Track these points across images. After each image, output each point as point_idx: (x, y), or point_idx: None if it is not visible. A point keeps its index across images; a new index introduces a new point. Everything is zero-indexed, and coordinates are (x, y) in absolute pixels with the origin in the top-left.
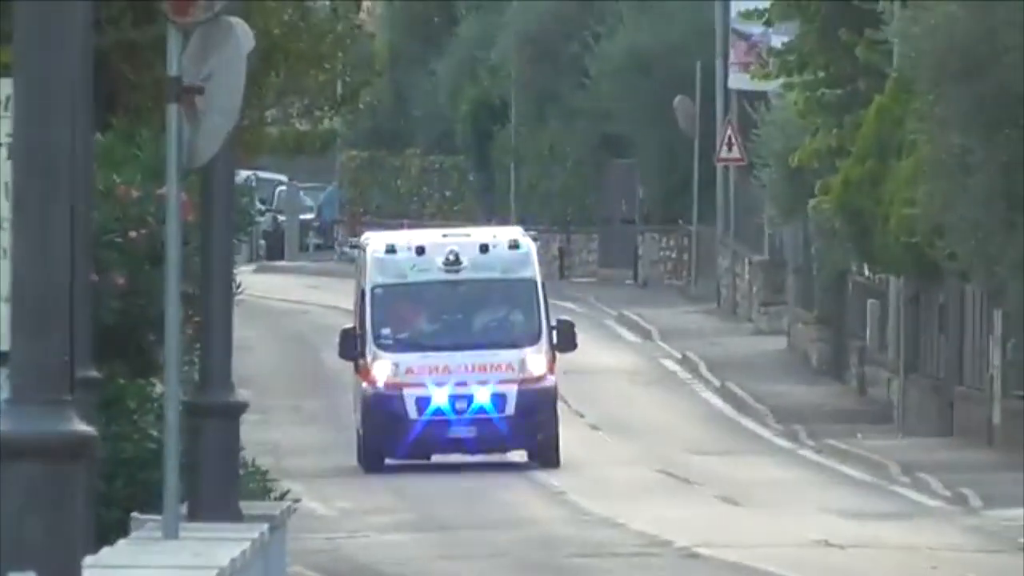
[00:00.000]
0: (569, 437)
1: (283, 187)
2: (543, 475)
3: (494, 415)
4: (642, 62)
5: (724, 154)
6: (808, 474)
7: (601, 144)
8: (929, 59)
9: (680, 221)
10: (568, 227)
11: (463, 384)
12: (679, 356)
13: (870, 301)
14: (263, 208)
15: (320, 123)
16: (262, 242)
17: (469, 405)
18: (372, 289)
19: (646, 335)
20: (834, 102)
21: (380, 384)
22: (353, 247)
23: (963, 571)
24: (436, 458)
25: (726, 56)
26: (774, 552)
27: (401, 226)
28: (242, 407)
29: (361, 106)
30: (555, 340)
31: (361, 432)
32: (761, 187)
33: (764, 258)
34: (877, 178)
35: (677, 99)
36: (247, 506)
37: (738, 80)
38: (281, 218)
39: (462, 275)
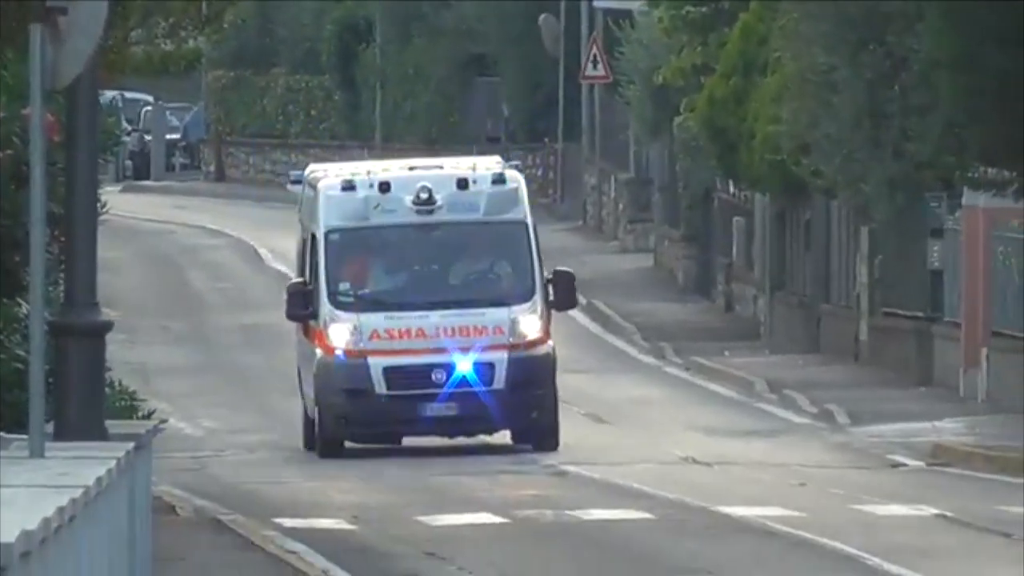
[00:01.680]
0: None
1: (149, 107)
2: None
3: (479, 388)
4: None
5: (589, 72)
6: (675, 392)
7: (466, 63)
8: None
9: (546, 140)
10: (433, 145)
11: (441, 351)
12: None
13: (736, 219)
14: (129, 128)
15: (185, 43)
16: (128, 162)
17: (448, 376)
18: (326, 234)
19: None
20: (699, 20)
21: (339, 351)
22: (295, 181)
23: (830, 487)
24: (408, 441)
25: None
26: (640, 469)
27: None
28: (107, 326)
29: (226, 26)
30: (551, 295)
31: (314, 409)
32: (626, 105)
33: (630, 176)
34: (742, 96)
35: (542, 17)
36: (113, 425)
37: None
38: (147, 138)
39: (437, 216)
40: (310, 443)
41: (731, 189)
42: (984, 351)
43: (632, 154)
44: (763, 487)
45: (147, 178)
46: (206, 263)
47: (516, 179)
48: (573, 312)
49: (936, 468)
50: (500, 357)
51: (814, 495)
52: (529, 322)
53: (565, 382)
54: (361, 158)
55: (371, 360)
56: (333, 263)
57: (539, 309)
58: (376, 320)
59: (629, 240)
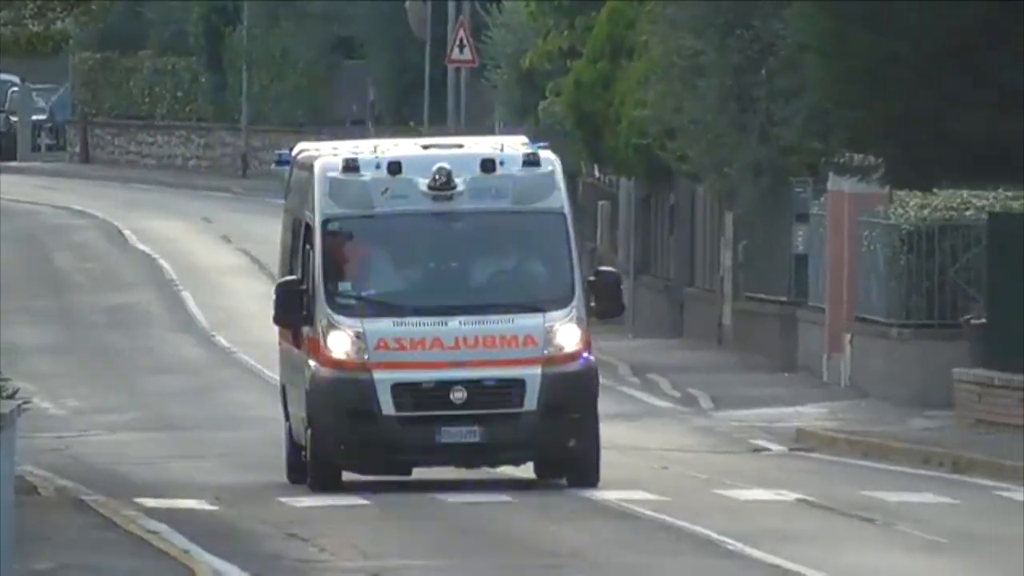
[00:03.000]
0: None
1: (15, 88)
2: (271, 374)
3: (507, 410)
4: None
5: (455, 56)
6: None
7: (333, 46)
8: None
9: (411, 123)
10: (299, 128)
11: (462, 364)
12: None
13: (601, 203)
14: None
15: (53, 24)
16: None
17: (471, 396)
18: (324, 224)
19: None
20: (566, 4)
21: (338, 364)
22: (281, 162)
23: (692, 471)
24: (419, 472)
25: None
26: None
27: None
28: None
29: (94, 7)
30: (592, 300)
31: (305, 433)
32: (492, 89)
33: None
34: (608, 80)
35: (409, 1)
36: None
37: None
38: (13, 119)
39: (458, 204)
40: (297, 473)
41: (596, 173)
42: (848, 336)
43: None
44: (626, 471)
45: (13, 159)
46: (72, 244)
47: (552, 161)
48: None
49: (798, 453)
50: (532, 373)
51: (677, 479)
52: (567, 331)
53: None
54: (227, 141)
55: (377, 375)
56: (332, 259)
57: (578, 315)
58: (383, 327)
59: None
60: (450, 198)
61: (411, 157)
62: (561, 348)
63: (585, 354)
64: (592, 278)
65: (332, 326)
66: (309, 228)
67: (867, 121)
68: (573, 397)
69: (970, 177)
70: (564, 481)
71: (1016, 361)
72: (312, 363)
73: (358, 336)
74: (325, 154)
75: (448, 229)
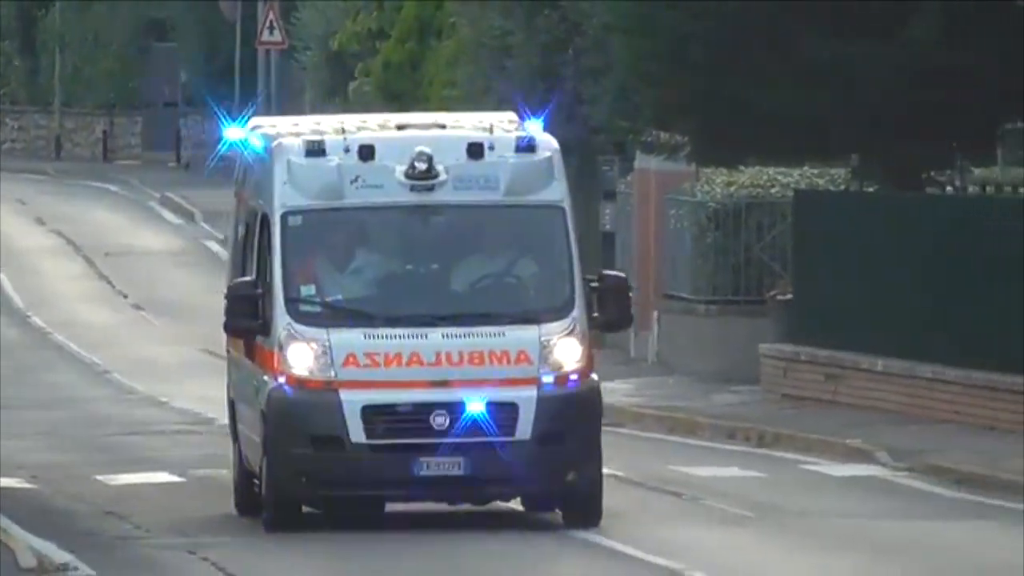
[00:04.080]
0: (111, 319)
1: None
2: (88, 355)
3: (496, 439)
4: None
5: (265, 38)
6: None
7: (146, 29)
8: None
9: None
10: (112, 110)
11: (444, 384)
12: (221, 237)
13: None
14: None
15: None
16: None
17: (454, 421)
18: (284, 217)
19: (189, 217)
20: None
21: (300, 381)
22: (236, 146)
23: None
24: (393, 507)
25: None
26: None
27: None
28: None
29: None
30: (596, 310)
31: (260, 459)
32: (302, 70)
33: None
34: (417, 60)
35: None
36: None
37: None
38: None
39: (440, 196)
40: (246, 506)
41: None
42: (655, 313)
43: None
44: None
45: None
46: None
47: (550, 146)
48: None
49: (607, 428)
50: (526, 395)
51: None
52: (567, 346)
53: None
54: (41, 124)
55: (345, 395)
56: (293, 258)
57: (579, 328)
58: (353, 339)
59: None
60: (431, 188)
61: (386, 140)
62: (560, 366)
63: (588, 373)
64: (596, 284)
65: (293, 337)
66: (266, 221)
67: (671, 99)
68: (573, 423)
69: (776, 154)
70: (559, 517)
71: (820, 336)
72: (269, 380)
73: (323, 350)
74: (285, 134)
75: (429, 225)
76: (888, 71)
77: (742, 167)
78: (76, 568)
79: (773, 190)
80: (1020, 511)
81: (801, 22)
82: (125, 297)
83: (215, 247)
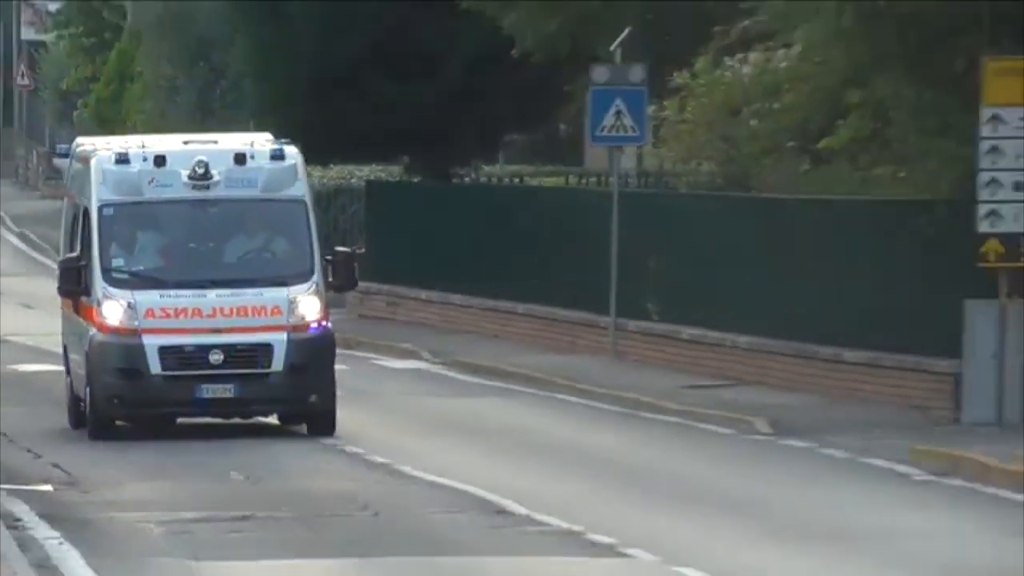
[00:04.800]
0: None
1: None
2: None
3: (258, 370)
4: None
5: (19, 81)
6: None
7: None
8: None
9: None
10: None
11: (218, 331)
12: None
13: None
14: None
15: None
16: None
17: (226, 357)
18: (100, 208)
19: None
20: (90, 45)
21: (112, 329)
22: (61, 155)
23: None
24: (183, 420)
25: (18, 13)
26: None
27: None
28: None
29: None
30: (331, 276)
31: (85, 389)
32: (44, 104)
33: (46, 149)
34: (119, 96)
35: None
36: None
37: (27, 32)
38: None
39: (214, 192)
40: (76, 421)
41: None
42: None
43: (48, 135)
44: None
45: None
46: None
47: (294, 156)
48: (10, 237)
49: None
50: (279, 338)
51: None
52: (308, 303)
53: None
54: None
55: (146, 339)
56: (107, 239)
57: (318, 289)
58: (151, 298)
59: (47, 190)
60: (208, 187)
61: (174, 151)
62: (303, 317)
63: (324, 322)
64: (330, 256)
65: (107, 297)
66: (87, 212)
67: (285, 124)
68: (314, 359)
69: (354, 156)
70: (304, 429)
71: (385, 276)
72: (90, 329)
73: (130, 306)
74: (100, 149)
75: (206, 214)
76: (428, 101)
77: (331, 165)
78: None
79: (352, 180)
80: (512, 390)
81: (371, 69)
82: None
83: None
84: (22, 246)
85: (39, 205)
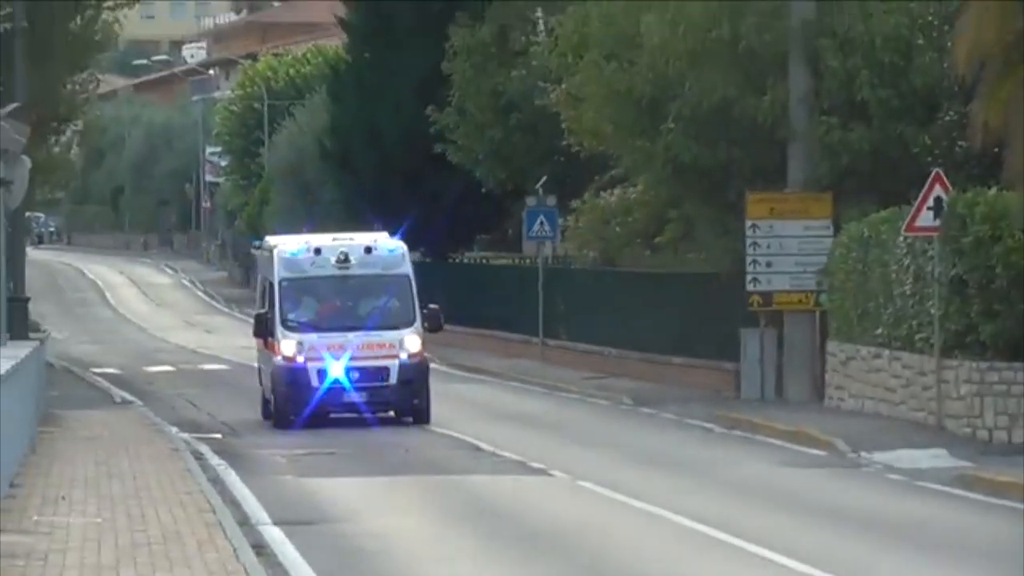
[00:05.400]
0: (147, 308)
1: None
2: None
3: (381, 383)
4: None
5: (204, 205)
6: None
7: None
8: None
9: None
10: None
11: (355, 359)
12: (187, 280)
13: None
14: None
15: None
16: None
17: (360, 376)
18: (280, 282)
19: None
20: (244, 184)
21: (287, 358)
22: (257, 247)
23: None
24: (333, 415)
25: (203, 166)
26: None
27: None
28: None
29: None
30: (425, 323)
31: (272, 397)
32: (216, 217)
33: (219, 242)
34: (259, 213)
35: None
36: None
37: (208, 176)
38: None
39: (351, 271)
40: (266, 415)
41: None
42: None
43: (220, 235)
44: None
45: None
46: None
47: (402, 247)
48: None
49: None
50: (393, 364)
51: None
52: (412, 341)
53: None
54: None
55: (309, 365)
56: (284, 300)
57: (418, 332)
58: (312, 338)
59: (218, 266)
60: (348, 267)
61: (326, 245)
62: (408, 350)
63: (423, 353)
64: (425, 311)
65: (284, 337)
66: (271, 284)
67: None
68: (416, 376)
69: None
70: (411, 420)
71: None
72: (274, 358)
73: (299, 343)
74: (279, 244)
75: (346, 284)
76: (434, 215)
77: None
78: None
79: None
80: (484, 380)
81: (404, 197)
82: (155, 302)
83: (186, 282)
84: (204, 297)
85: (213, 275)
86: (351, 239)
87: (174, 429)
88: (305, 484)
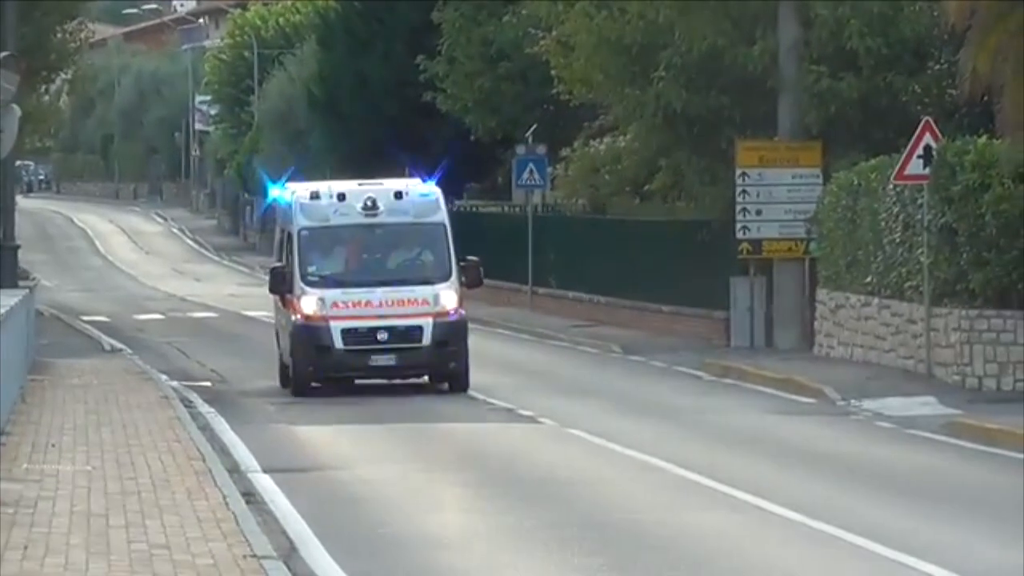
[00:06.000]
0: (136, 256)
1: None
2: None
3: (412, 344)
4: None
5: (193, 154)
6: None
7: None
8: None
9: None
10: None
11: (383, 317)
12: (176, 228)
13: None
14: None
15: None
16: None
17: (390, 336)
18: (299, 231)
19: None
20: (233, 133)
21: (308, 317)
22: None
23: None
24: (359, 381)
25: (192, 114)
26: None
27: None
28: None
29: None
30: (463, 277)
31: (290, 359)
32: (206, 166)
33: (208, 191)
34: (249, 162)
35: None
36: (20, 284)
37: (198, 125)
38: None
39: (379, 219)
40: (285, 382)
41: None
42: None
43: (208, 183)
44: None
45: None
46: None
47: (436, 192)
48: None
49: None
50: (427, 322)
51: None
52: (448, 296)
53: None
54: None
55: (332, 324)
56: (304, 252)
57: (454, 287)
58: (336, 294)
59: (207, 214)
60: (375, 215)
61: (352, 190)
62: (444, 307)
63: (459, 310)
64: (463, 263)
65: (304, 293)
66: (290, 234)
67: (342, 177)
68: (452, 337)
69: None
70: (446, 386)
71: None
72: (292, 316)
73: (321, 300)
74: (299, 190)
75: (374, 234)
76: (423, 163)
77: None
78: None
79: None
80: (476, 328)
81: (391, 146)
82: (144, 250)
83: (176, 230)
84: (194, 246)
85: (203, 223)
86: (379, 183)
87: (164, 377)
88: (295, 432)
